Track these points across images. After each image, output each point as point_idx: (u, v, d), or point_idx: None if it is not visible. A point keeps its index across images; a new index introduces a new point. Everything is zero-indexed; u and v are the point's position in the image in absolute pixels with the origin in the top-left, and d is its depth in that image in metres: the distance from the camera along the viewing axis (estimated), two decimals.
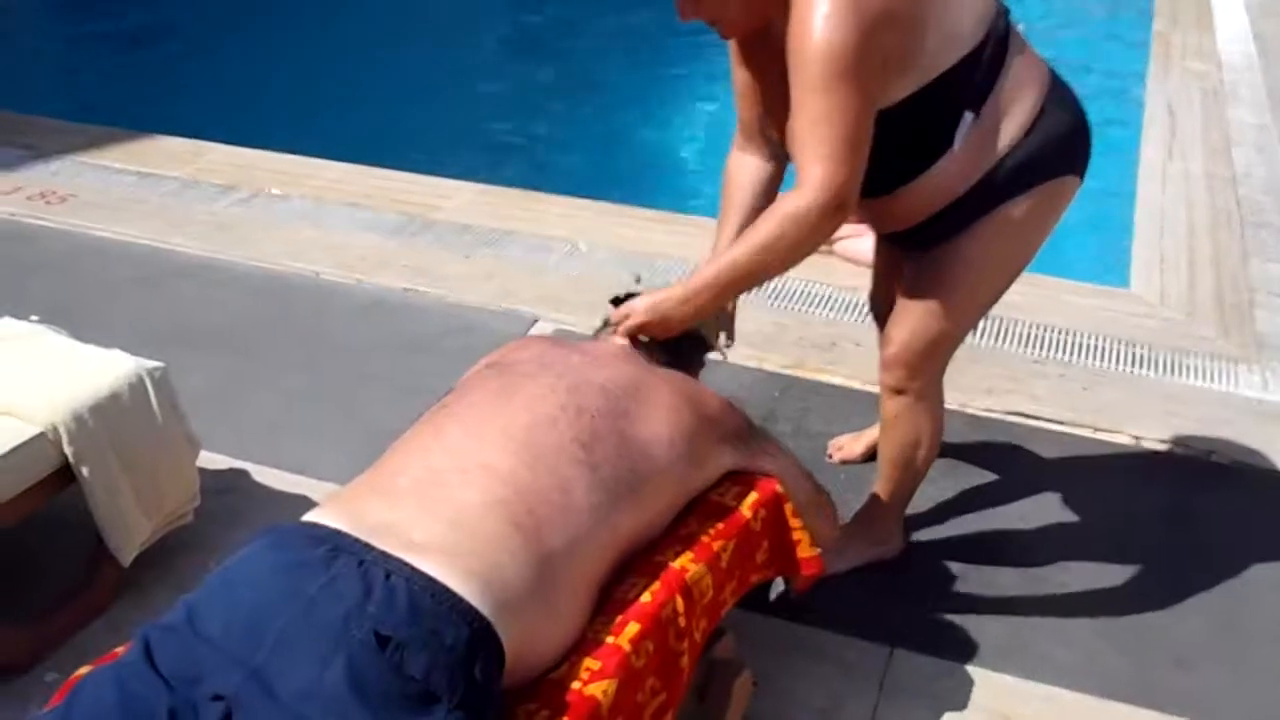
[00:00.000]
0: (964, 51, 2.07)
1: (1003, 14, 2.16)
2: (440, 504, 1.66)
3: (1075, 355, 3.57)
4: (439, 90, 7.23)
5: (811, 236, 2.02)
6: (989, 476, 3.01)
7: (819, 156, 1.96)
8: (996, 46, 2.12)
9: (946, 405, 3.13)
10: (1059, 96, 2.21)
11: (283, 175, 4.87)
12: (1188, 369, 3.52)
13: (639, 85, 7.49)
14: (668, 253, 4.16)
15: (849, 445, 3.04)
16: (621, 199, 4.79)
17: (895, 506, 2.64)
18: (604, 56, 8.10)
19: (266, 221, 4.43)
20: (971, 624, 2.51)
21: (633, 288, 2.32)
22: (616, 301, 2.27)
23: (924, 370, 2.42)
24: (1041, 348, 3.61)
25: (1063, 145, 2.22)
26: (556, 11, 9.42)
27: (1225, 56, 6.60)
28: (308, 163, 5.03)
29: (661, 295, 2.18)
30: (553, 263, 4.11)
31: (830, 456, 3.05)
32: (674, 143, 6.58)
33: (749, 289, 2.21)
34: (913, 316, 2.36)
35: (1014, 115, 2.15)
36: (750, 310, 3.75)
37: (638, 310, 2.19)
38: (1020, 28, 2.23)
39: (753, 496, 2.03)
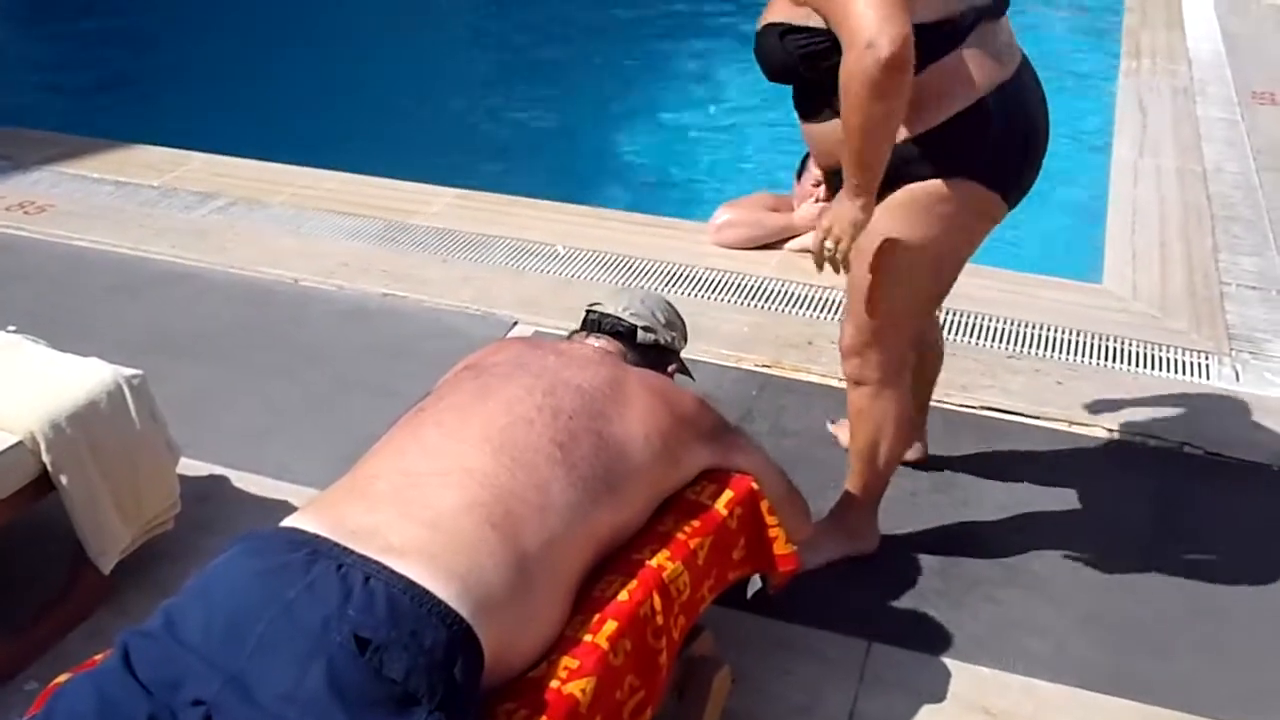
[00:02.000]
0: (927, 17, 2.03)
1: (984, 11, 2.15)
2: (418, 507, 1.67)
3: (1049, 350, 3.61)
4: (418, 96, 7.23)
5: (870, 88, 1.93)
6: (964, 471, 3.03)
7: (862, 12, 1.91)
8: (950, 31, 2.11)
9: None
10: (1005, 109, 2.18)
11: (261, 183, 4.87)
12: (1161, 362, 3.55)
13: (618, 89, 7.50)
14: (646, 255, 4.19)
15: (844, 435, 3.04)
16: (601, 203, 4.81)
17: (867, 501, 2.66)
18: (583, 61, 8.11)
19: (245, 229, 4.43)
20: (949, 616, 2.54)
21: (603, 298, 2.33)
22: (592, 310, 2.29)
23: (875, 360, 2.42)
24: (1016, 343, 3.64)
25: (980, 148, 2.19)
26: (536, 16, 9.44)
27: (1195, 54, 6.66)
28: (285, 170, 5.04)
29: (837, 210, 2.15)
30: (532, 266, 4.13)
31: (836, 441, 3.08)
32: (653, 147, 6.60)
33: (878, 150, 2.06)
34: (853, 303, 2.39)
35: (938, 101, 2.13)
36: (727, 310, 3.80)
37: (838, 233, 2.16)
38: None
39: (728, 494, 2.05)
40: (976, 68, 2.15)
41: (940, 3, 2.09)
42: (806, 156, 4.27)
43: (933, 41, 2.05)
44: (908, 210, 2.23)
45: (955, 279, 2.44)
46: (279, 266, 4.11)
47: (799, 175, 4.27)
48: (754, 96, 7.36)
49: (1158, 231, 4.45)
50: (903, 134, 2.13)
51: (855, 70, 1.94)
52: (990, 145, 2.20)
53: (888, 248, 2.26)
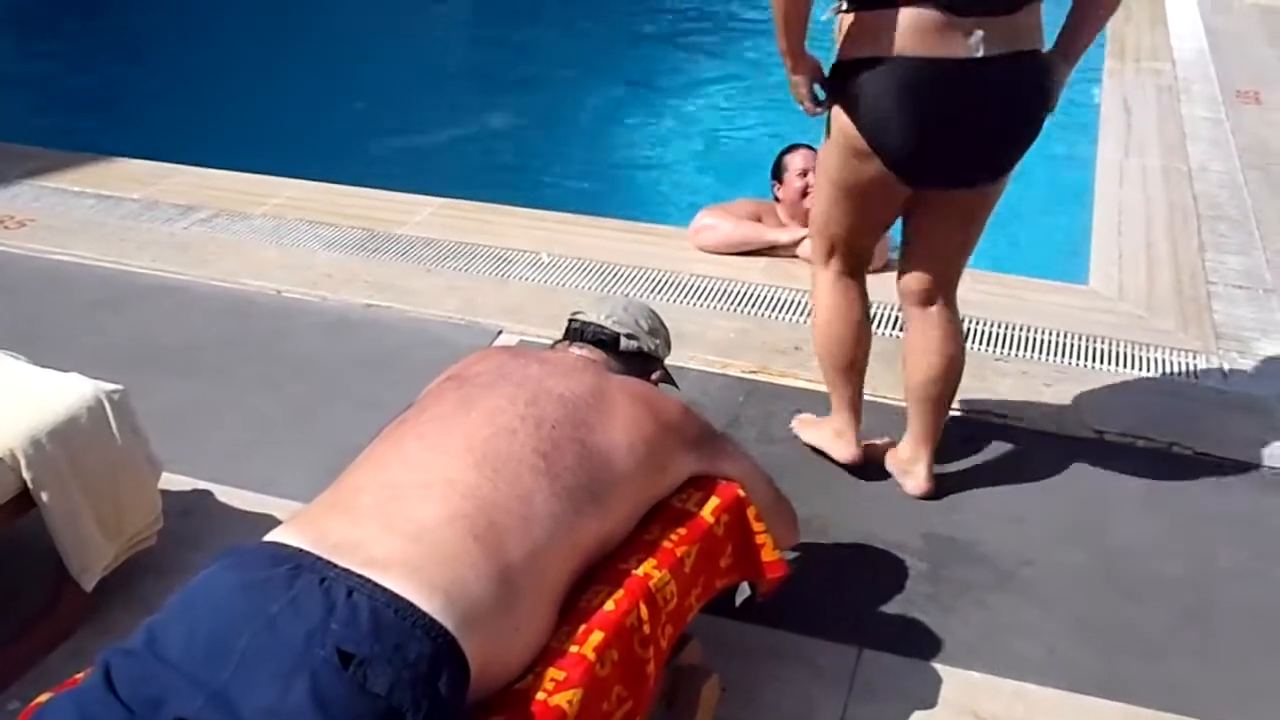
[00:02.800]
0: None
1: (978, 11, 2.31)
2: (401, 519, 1.66)
3: (1037, 352, 3.60)
4: (401, 106, 7.23)
5: None
6: (953, 475, 3.02)
7: None
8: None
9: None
10: (905, 79, 2.37)
11: (244, 195, 4.85)
12: (1148, 362, 3.55)
13: (601, 97, 7.51)
14: (631, 261, 4.18)
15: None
16: (585, 210, 4.80)
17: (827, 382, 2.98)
18: (565, 70, 8.12)
19: (228, 241, 4.41)
20: (939, 622, 2.53)
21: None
22: (574, 318, 2.27)
23: (813, 244, 2.87)
24: (1003, 345, 3.63)
25: (858, 95, 2.45)
26: (517, 25, 9.44)
27: (1179, 53, 6.69)
28: (268, 181, 5.02)
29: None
30: (516, 274, 4.11)
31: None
32: (636, 153, 6.60)
33: (787, 26, 2.47)
34: None
35: (851, 42, 2.44)
36: (713, 317, 3.79)
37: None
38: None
39: (714, 501, 2.03)
40: (894, 33, 2.34)
41: None
42: (781, 155, 4.27)
43: None
44: (829, 117, 2.59)
45: (856, 210, 2.66)
46: (262, 278, 4.09)
47: (778, 176, 4.27)
48: (735, 102, 7.38)
49: (1144, 231, 4.46)
50: (846, 51, 2.46)
51: None
52: (869, 99, 2.43)
53: (825, 142, 2.64)
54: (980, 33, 2.31)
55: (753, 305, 3.89)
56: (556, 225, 4.57)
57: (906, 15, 2.32)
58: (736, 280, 4.04)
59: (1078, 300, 3.93)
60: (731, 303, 3.90)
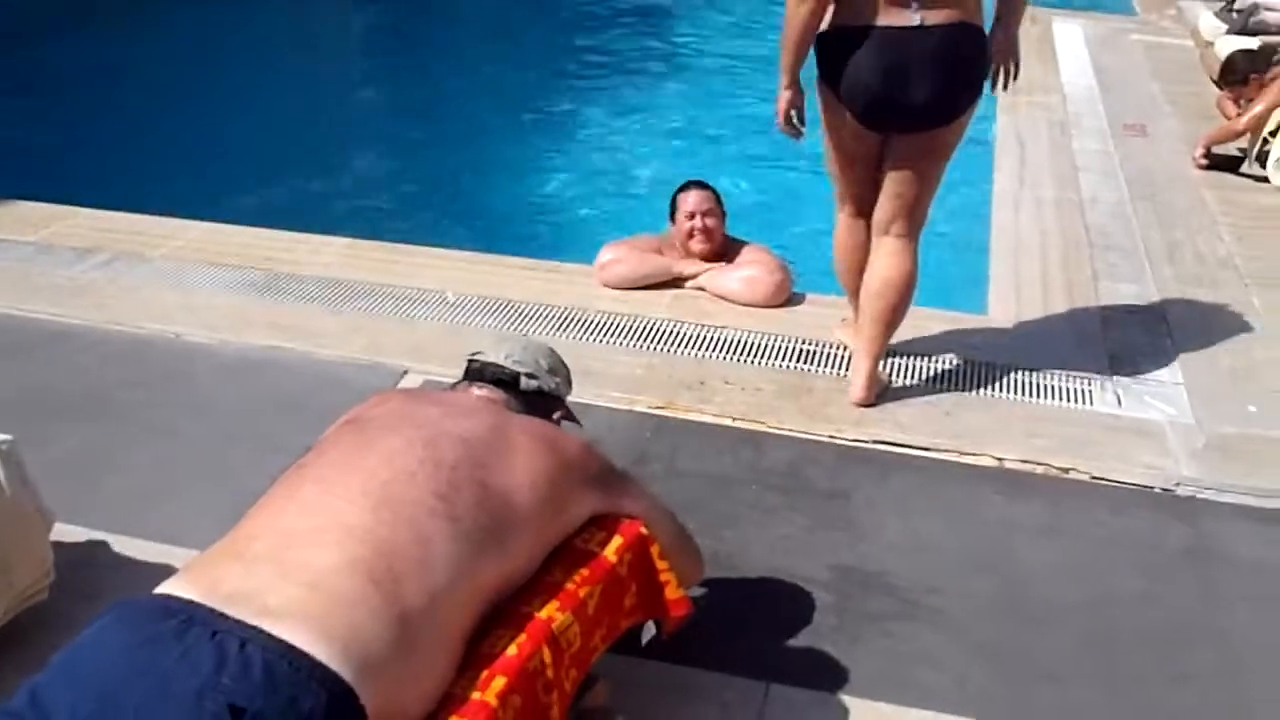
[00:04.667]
0: None
1: None
2: (296, 567, 1.63)
3: (937, 382, 3.66)
4: (303, 145, 7.16)
5: (793, 7, 3.05)
6: (858, 506, 3.06)
7: None
8: None
9: (815, 438, 3.22)
10: (872, 40, 3.04)
11: (143, 237, 4.75)
12: (1046, 389, 3.63)
13: (504, 137, 7.52)
14: (536, 299, 4.18)
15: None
16: (489, 248, 4.79)
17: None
18: (467, 108, 8.12)
19: (126, 285, 4.32)
20: (846, 654, 2.54)
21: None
22: (474, 359, 2.26)
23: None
24: (906, 376, 3.69)
25: (832, 58, 3.14)
26: (420, 63, 9.43)
27: (1069, 89, 6.90)
28: (168, 223, 4.93)
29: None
30: (421, 314, 4.09)
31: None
32: (539, 191, 6.61)
33: (796, 47, 3.14)
34: None
35: (832, 17, 3.10)
36: (619, 353, 3.80)
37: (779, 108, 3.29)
38: None
39: (617, 541, 2.03)
40: (861, 9, 3.04)
41: None
42: (675, 193, 4.32)
43: None
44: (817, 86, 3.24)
45: (844, 160, 3.36)
46: (161, 321, 4.01)
47: (672, 215, 4.31)
48: (636, 141, 7.45)
49: (1039, 261, 4.57)
50: (822, 26, 3.10)
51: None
52: (840, 57, 3.11)
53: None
54: (915, 4, 2.99)
55: (658, 341, 3.90)
56: (461, 264, 4.56)
57: None
58: (642, 316, 4.06)
59: (977, 329, 4.00)
60: (637, 339, 3.91)
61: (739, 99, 8.25)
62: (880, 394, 3.52)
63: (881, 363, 3.64)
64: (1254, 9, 7.55)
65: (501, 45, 10.17)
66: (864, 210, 3.44)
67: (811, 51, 3.19)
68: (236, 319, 4.03)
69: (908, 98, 3.10)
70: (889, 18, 3.02)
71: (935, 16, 3.01)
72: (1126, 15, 9.83)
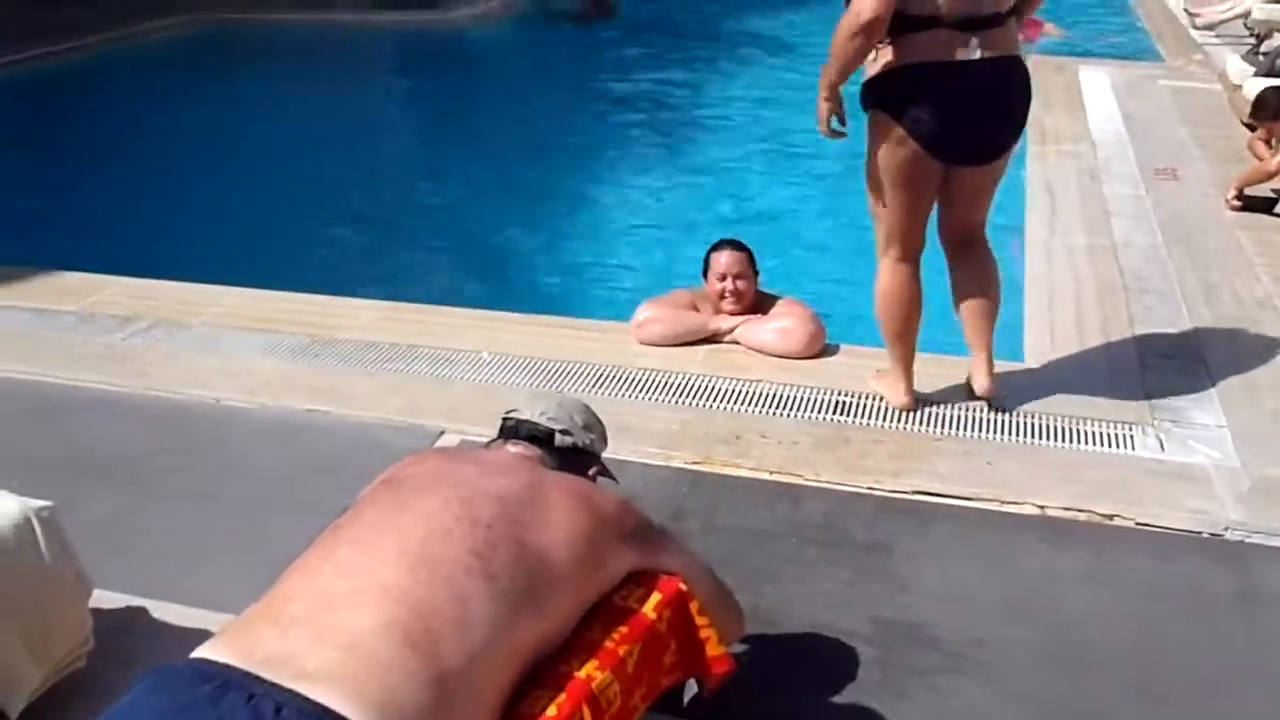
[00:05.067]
0: (910, 10, 3.16)
1: (944, 21, 3.17)
2: (333, 629, 1.62)
3: (977, 431, 3.63)
4: (340, 211, 7.26)
5: (844, 40, 3.18)
6: (900, 558, 3.02)
7: None
8: (916, 23, 3.18)
9: (854, 490, 3.20)
10: (931, 76, 3.23)
11: (182, 305, 4.82)
12: (1086, 436, 3.59)
13: (537, 195, 7.59)
14: (571, 357, 4.19)
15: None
16: (525, 308, 4.82)
17: (890, 359, 3.74)
18: (501, 166, 8.21)
19: (165, 351, 4.37)
20: (892, 709, 2.49)
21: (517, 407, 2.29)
22: (509, 416, 2.26)
23: (877, 233, 3.56)
24: (943, 425, 3.66)
25: (900, 93, 3.27)
26: (452, 123, 9.56)
27: (1098, 135, 6.90)
28: (206, 290, 5.00)
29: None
30: (457, 374, 4.10)
31: None
32: (575, 250, 6.65)
33: (841, 70, 3.29)
34: None
35: (894, 56, 3.25)
36: (655, 409, 3.79)
37: (819, 114, 3.38)
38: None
39: (656, 597, 2.01)
40: (917, 48, 3.21)
41: (919, 5, 3.16)
42: (709, 252, 4.34)
43: (906, 23, 3.18)
44: (868, 125, 3.39)
45: (903, 197, 3.42)
46: (199, 387, 4.05)
47: (705, 273, 4.33)
48: (670, 197, 7.50)
49: (1074, 307, 4.54)
50: (875, 69, 3.29)
51: (845, 20, 3.17)
52: (904, 95, 3.26)
53: (869, 151, 3.44)
54: (975, 40, 3.18)
55: (694, 396, 3.90)
56: (497, 324, 4.58)
57: (924, 34, 3.18)
58: (677, 372, 4.06)
59: (1014, 376, 3.97)
60: (673, 394, 3.91)
61: (768, 155, 8.31)
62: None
63: (918, 411, 3.69)
64: None
65: (535, 104, 10.30)
66: (912, 253, 3.55)
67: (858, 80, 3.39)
68: (275, 383, 4.07)
69: (974, 129, 3.33)
70: (951, 53, 3.21)
71: (991, 50, 3.23)
72: (1153, 62, 9.86)
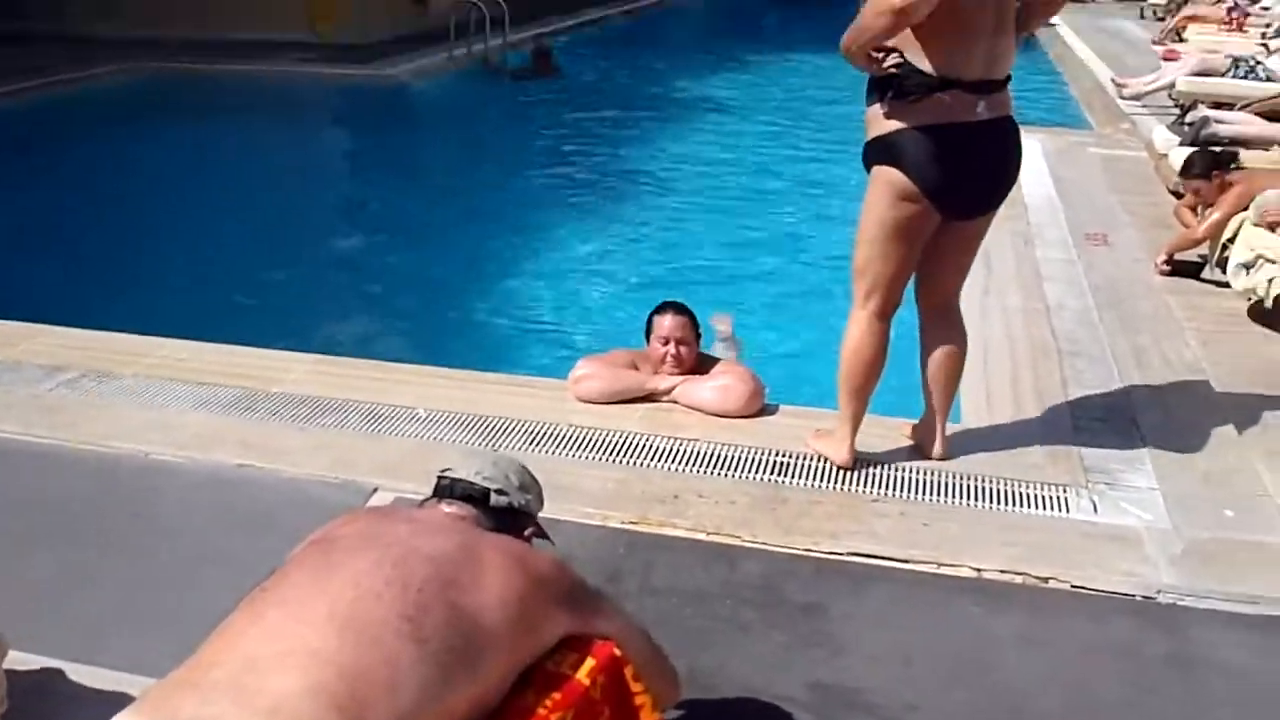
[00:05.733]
0: (934, 68, 3.22)
1: (960, 84, 3.24)
2: (256, 694, 1.58)
3: (913, 492, 3.65)
4: (273, 261, 7.20)
5: (872, 15, 3.13)
6: (837, 621, 3.01)
7: None
8: (937, 84, 3.23)
9: (791, 551, 3.18)
10: (944, 135, 3.29)
11: (114, 355, 4.72)
12: (1021, 498, 3.62)
13: (473, 250, 7.58)
14: (508, 414, 4.15)
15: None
16: (461, 364, 4.79)
17: (841, 415, 3.74)
18: (438, 222, 8.21)
19: (95, 403, 4.28)
20: None
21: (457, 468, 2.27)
22: (443, 475, 2.22)
23: (856, 286, 3.59)
24: (880, 486, 3.67)
25: (913, 150, 3.32)
26: (390, 178, 9.55)
27: (1030, 200, 7.05)
28: (139, 341, 4.91)
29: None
30: (392, 430, 4.06)
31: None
32: (512, 306, 6.64)
33: (862, 42, 3.22)
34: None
35: (901, 118, 3.31)
36: (590, 467, 3.77)
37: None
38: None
39: (590, 663, 1.98)
40: (932, 109, 3.27)
41: (944, 61, 3.22)
42: (651, 315, 4.34)
43: (931, 82, 3.24)
44: (870, 180, 3.45)
45: (898, 251, 3.47)
46: (130, 440, 3.96)
47: (647, 335, 4.34)
48: (612, 254, 7.53)
49: (1009, 369, 4.61)
50: (885, 129, 3.34)
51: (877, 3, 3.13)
52: (918, 154, 3.32)
53: (864, 207, 3.50)
54: (983, 102, 3.29)
55: (631, 454, 3.88)
56: (433, 379, 4.54)
57: (944, 95, 3.25)
58: (614, 430, 4.04)
59: (952, 438, 3.98)
60: (610, 453, 3.89)
61: (712, 216, 8.39)
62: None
63: (856, 472, 3.72)
64: (1205, 122, 7.77)
65: (473, 161, 10.34)
66: (890, 309, 3.61)
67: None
68: (206, 437, 3.99)
69: (978, 185, 3.48)
70: (963, 114, 3.29)
71: (994, 110, 3.36)
72: (1083, 129, 10.13)
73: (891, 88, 3.29)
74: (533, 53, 15.14)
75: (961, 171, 3.37)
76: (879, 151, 3.42)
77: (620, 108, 12.79)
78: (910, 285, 3.67)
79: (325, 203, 9.46)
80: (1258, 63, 9.87)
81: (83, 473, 3.79)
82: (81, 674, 2.74)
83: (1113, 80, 11.55)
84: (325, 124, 13.04)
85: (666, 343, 4.25)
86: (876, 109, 3.38)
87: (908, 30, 3.19)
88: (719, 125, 11.97)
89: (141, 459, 3.87)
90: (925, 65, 3.24)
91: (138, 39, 14.65)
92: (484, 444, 3.93)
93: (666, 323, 4.29)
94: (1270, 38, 12.13)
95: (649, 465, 3.81)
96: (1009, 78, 3.40)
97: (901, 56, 3.25)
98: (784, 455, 3.86)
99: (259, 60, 14.26)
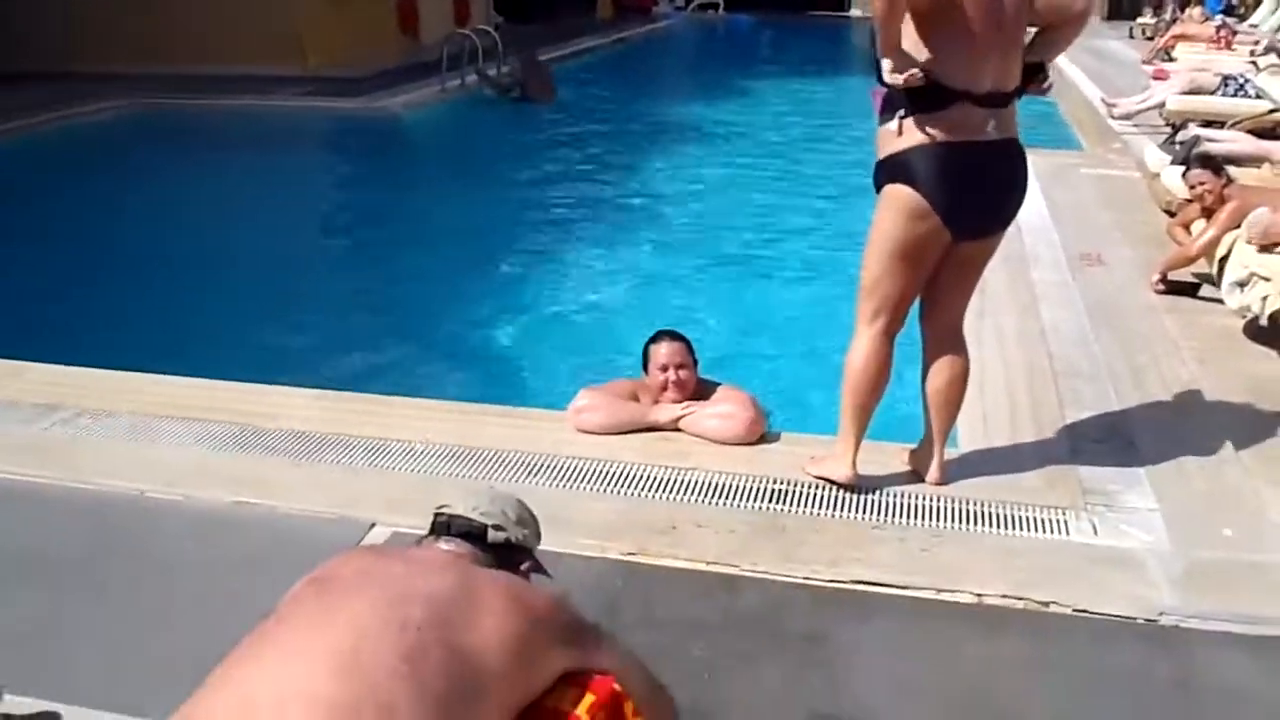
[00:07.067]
0: (941, 79, 3.25)
1: (968, 97, 3.28)
2: None
3: (912, 518, 3.63)
4: (272, 296, 7.19)
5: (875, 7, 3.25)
6: (837, 649, 3.00)
7: None
8: (947, 96, 3.27)
9: (791, 580, 3.17)
10: (954, 153, 3.32)
11: (109, 393, 4.71)
12: (1020, 522, 3.61)
13: (472, 283, 7.57)
14: (505, 446, 4.14)
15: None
16: (459, 396, 4.78)
17: (843, 430, 3.74)
18: (436, 253, 8.20)
19: (89, 441, 4.26)
20: None
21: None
22: (440, 512, 2.21)
23: (861, 305, 3.61)
24: (879, 513, 3.66)
25: (924, 167, 3.34)
26: (388, 209, 9.56)
27: (1023, 221, 7.00)
28: (134, 378, 4.90)
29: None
30: (389, 465, 4.04)
31: None
32: (511, 338, 6.63)
33: (885, 39, 3.27)
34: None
35: (913, 135, 3.33)
36: (589, 499, 3.75)
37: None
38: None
39: (589, 699, 1.96)
40: (943, 126, 3.30)
41: (956, 73, 3.25)
42: (648, 344, 4.34)
43: (939, 96, 3.28)
44: (881, 198, 3.48)
45: (908, 270, 3.48)
46: (125, 478, 3.94)
47: (645, 365, 4.34)
48: (607, 284, 7.53)
49: (1006, 392, 4.60)
50: (897, 147, 3.37)
51: None
52: (930, 171, 3.34)
53: (873, 225, 3.52)
54: (993, 121, 3.33)
55: (630, 485, 3.87)
56: (430, 412, 4.53)
57: (954, 110, 3.29)
58: (613, 461, 4.03)
59: (950, 462, 3.97)
60: (608, 484, 3.87)
61: (709, 243, 8.39)
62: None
63: (854, 499, 3.70)
64: (1196, 140, 7.80)
65: (468, 192, 10.35)
66: (896, 327, 3.62)
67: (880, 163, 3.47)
68: (201, 474, 3.97)
69: (989, 204, 3.51)
70: (974, 132, 3.33)
71: (1003, 131, 3.40)
72: (1074, 150, 10.17)
73: (906, 104, 3.31)
74: (530, 74, 15.03)
75: (973, 189, 3.40)
76: (891, 170, 3.43)
77: (615, 135, 12.84)
78: (914, 309, 3.67)
79: (320, 236, 9.46)
80: (1247, 80, 9.94)
81: (76, 512, 3.77)
82: (77, 717, 2.72)
83: (1103, 100, 11.62)
84: (319, 157, 13.06)
85: (665, 369, 4.24)
86: (888, 128, 3.39)
87: (919, 41, 3.24)
88: (714, 151, 12.01)
89: (135, 497, 3.85)
90: (939, 76, 3.26)
91: (128, 74, 14.68)
92: (482, 476, 3.91)
93: (663, 350, 4.28)
94: (1259, 55, 12.20)
95: (647, 496, 3.80)
96: (1017, 91, 3.43)
97: (922, 72, 3.26)
98: (782, 483, 3.85)
99: (252, 94, 14.29)
